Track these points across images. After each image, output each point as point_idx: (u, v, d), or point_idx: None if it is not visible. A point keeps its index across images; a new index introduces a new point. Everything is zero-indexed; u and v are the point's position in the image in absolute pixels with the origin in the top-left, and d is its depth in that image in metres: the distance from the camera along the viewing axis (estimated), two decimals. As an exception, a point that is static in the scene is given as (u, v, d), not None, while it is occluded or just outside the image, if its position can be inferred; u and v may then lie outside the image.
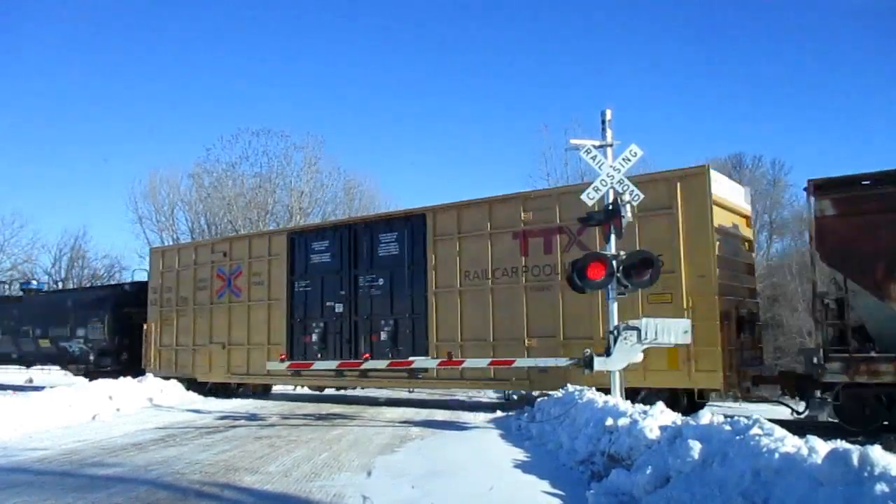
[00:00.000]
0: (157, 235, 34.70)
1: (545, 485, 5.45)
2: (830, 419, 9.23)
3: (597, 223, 8.59)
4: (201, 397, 14.39)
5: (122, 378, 13.87)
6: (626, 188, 8.21)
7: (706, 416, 5.07)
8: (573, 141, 9.04)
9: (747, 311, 10.30)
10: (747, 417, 4.59)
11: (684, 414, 6.25)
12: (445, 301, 11.86)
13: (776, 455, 3.78)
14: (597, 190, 8.33)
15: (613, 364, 7.96)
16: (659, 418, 5.73)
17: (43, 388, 14.01)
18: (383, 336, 12.53)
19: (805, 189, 8.77)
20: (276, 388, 16.65)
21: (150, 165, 56.57)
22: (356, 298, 12.99)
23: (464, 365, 10.04)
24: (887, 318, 8.17)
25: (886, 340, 8.22)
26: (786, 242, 32.87)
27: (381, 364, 11.02)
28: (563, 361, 8.99)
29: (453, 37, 62.66)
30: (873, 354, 8.19)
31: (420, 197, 56.88)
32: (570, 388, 8.78)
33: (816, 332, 8.79)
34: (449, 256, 11.92)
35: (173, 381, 14.77)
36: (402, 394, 14.93)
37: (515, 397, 13.32)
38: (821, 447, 3.65)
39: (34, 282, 24.06)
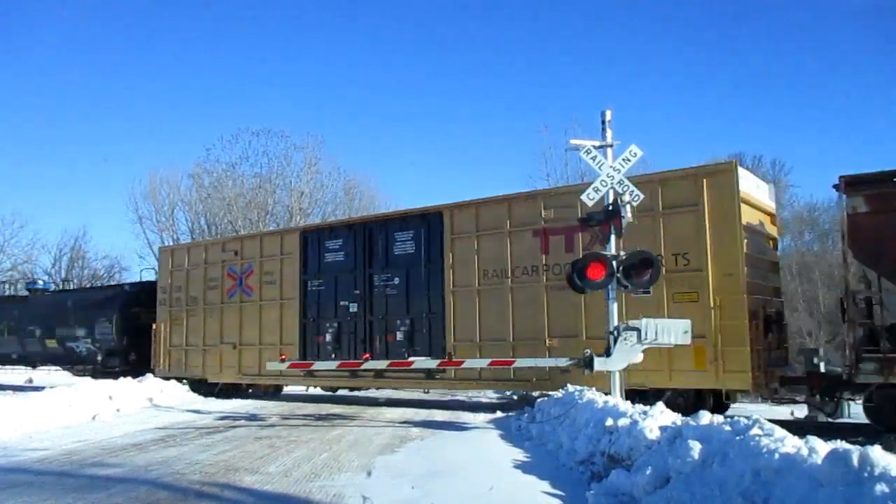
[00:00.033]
0: (157, 236, 34.75)
1: (545, 485, 5.45)
2: (830, 420, 9.22)
3: (597, 223, 8.58)
4: (201, 397, 14.38)
5: (122, 378, 13.88)
6: (626, 188, 8.20)
7: (706, 416, 5.07)
8: (573, 141, 9.03)
9: (774, 310, 10.15)
10: (747, 417, 4.59)
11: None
12: (463, 300, 11.70)
13: (776, 455, 3.78)
14: (597, 190, 8.32)
15: (613, 364, 7.96)
16: (659, 419, 5.73)
17: (43, 388, 14.00)
18: (399, 336, 12.35)
19: (835, 186, 8.59)
20: (287, 389, 16.52)
21: (150, 165, 56.67)
22: (371, 298, 12.83)
23: (463, 365, 9.95)
24: None
25: None
26: (786, 243, 32.87)
27: (381, 364, 11.00)
28: (562, 361, 8.97)
29: (453, 37, 62.74)
30: None
31: (420, 197, 57.01)
32: (571, 388, 8.78)
33: (848, 332, 8.51)
34: (467, 255, 11.75)
35: (173, 382, 14.78)
36: (403, 394, 14.92)
37: (515, 398, 13.32)
38: (821, 447, 3.65)
39: (40, 281, 24.02)
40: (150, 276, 20.49)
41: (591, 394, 7.92)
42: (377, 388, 14.76)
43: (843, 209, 8.54)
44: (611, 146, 8.41)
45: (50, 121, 62.00)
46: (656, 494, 4.44)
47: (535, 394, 11.37)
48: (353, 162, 66.73)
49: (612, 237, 8.21)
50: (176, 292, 16.14)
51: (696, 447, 4.44)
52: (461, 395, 15.20)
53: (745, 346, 8.90)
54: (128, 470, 6.39)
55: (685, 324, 8.02)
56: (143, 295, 17.18)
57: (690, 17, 55.25)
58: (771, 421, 4.48)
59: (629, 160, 8.28)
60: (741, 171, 9.65)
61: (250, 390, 15.58)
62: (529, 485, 5.51)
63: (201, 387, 15.14)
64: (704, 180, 9.49)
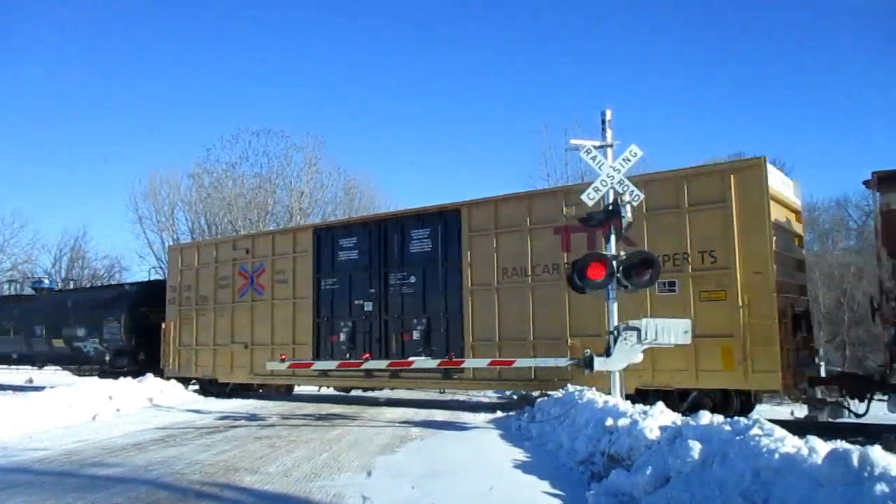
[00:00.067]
0: (157, 236, 34.82)
1: (545, 485, 5.44)
2: (831, 419, 9.21)
3: (597, 223, 8.57)
4: (202, 397, 14.37)
5: (122, 378, 13.88)
6: (626, 188, 8.20)
7: (706, 416, 5.08)
8: (573, 141, 9.02)
9: (802, 309, 10.03)
10: (747, 417, 4.60)
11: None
12: (482, 299, 11.53)
13: (776, 455, 3.78)
14: (597, 190, 8.32)
15: (613, 364, 7.96)
16: (659, 418, 5.73)
17: (43, 388, 14.00)
18: (416, 335, 12.17)
19: (865, 183, 8.44)
20: (299, 389, 16.38)
21: (150, 165, 56.71)
22: (386, 297, 12.65)
23: (464, 365, 9.96)
24: None
25: None
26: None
27: (382, 364, 10.97)
28: (562, 361, 8.98)
29: (453, 37, 62.82)
30: None
31: (420, 197, 57.13)
32: (571, 388, 8.78)
33: (884, 331, 8.39)
34: (485, 253, 11.55)
35: (173, 382, 14.75)
36: (403, 394, 14.91)
37: (515, 397, 13.32)
38: (821, 447, 3.65)
39: (46, 281, 23.90)
40: (158, 275, 20.37)
41: (591, 394, 7.92)
42: (391, 388, 14.49)
43: (876, 206, 8.37)
44: (611, 146, 8.41)
45: (50, 121, 62.23)
46: (656, 494, 4.44)
47: (535, 394, 11.36)
48: (353, 162, 66.88)
49: (612, 237, 8.21)
50: (185, 291, 15.91)
51: (696, 447, 4.44)
52: (461, 395, 15.20)
53: (775, 345, 8.68)
54: (128, 470, 6.39)
55: (685, 323, 8.01)
56: (151, 294, 16.99)
57: (690, 17, 55.38)
58: (771, 421, 4.49)
59: (629, 160, 8.27)
60: (768, 168, 9.40)
61: (261, 390, 15.48)
62: (529, 485, 5.51)
63: (212, 387, 15.08)
64: (732, 176, 9.27)
